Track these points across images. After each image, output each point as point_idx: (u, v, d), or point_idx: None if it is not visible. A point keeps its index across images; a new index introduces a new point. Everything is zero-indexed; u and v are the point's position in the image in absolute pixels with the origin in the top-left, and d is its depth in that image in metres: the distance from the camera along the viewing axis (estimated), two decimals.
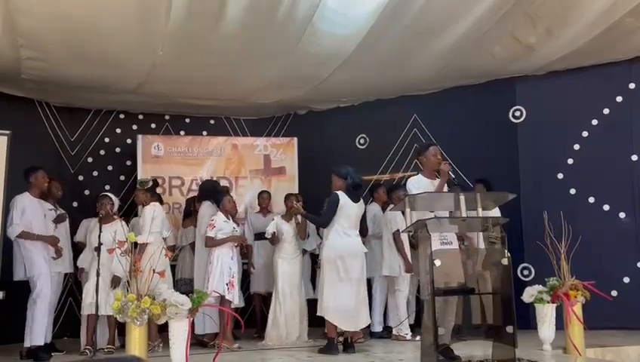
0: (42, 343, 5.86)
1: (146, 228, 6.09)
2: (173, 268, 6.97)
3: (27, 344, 5.85)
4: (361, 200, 6.01)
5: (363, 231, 6.27)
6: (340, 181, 5.91)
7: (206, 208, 6.77)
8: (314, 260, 7.32)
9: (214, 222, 6.40)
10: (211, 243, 6.36)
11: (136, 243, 5.29)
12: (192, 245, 7.10)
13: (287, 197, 7.18)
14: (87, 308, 6.09)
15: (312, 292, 7.03)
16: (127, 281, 4.76)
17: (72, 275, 7.03)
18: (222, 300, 6.24)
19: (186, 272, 7.13)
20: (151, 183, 6.88)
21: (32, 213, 6.00)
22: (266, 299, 7.26)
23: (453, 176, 5.27)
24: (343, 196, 5.83)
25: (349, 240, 5.82)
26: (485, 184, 6.83)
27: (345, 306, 5.73)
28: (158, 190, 7.89)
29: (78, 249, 6.84)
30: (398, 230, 6.57)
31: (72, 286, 7.45)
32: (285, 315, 6.56)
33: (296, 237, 6.78)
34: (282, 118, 9.23)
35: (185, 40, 6.17)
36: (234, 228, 6.54)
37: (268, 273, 7.05)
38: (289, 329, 6.55)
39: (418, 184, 5.28)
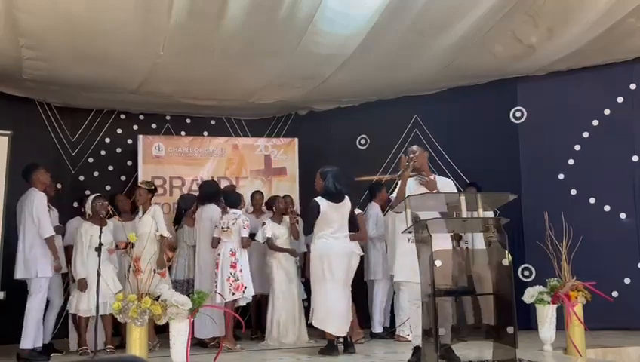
0: (31, 346, 5.81)
1: (163, 224, 6.40)
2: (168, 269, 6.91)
3: (20, 346, 5.84)
4: (346, 198, 5.88)
5: (354, 228, 6.04)
6: (320, 182, 5.92)
7: (212, 210, 6.75)
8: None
9: (249, 222, 6.56)
10: (247, 243, 6.49)
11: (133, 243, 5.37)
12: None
13: (275, 198, 7.19)
14: (85, 310, 6.10)
15: (304, 293, 6.98)
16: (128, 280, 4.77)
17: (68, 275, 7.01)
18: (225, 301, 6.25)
19: (182, 273, 7.07)
20: (153, 187, 6.94)
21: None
22: (259, 301, 7.22)
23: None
24: (322, 201, 5.79)
25: (333, 242, 5.78)
26: (476, 188, 6.74)
27: (332, 309, 5.71)
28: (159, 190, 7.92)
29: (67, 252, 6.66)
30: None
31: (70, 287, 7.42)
32: (283, 315, 6.57)
33: (289, 238, 6.84)
34: (283, 118, 9.22)
35: (186, 40, 6.17)
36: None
37: (261, 274, 7.02)
38: (288, 329, 6.56)
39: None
